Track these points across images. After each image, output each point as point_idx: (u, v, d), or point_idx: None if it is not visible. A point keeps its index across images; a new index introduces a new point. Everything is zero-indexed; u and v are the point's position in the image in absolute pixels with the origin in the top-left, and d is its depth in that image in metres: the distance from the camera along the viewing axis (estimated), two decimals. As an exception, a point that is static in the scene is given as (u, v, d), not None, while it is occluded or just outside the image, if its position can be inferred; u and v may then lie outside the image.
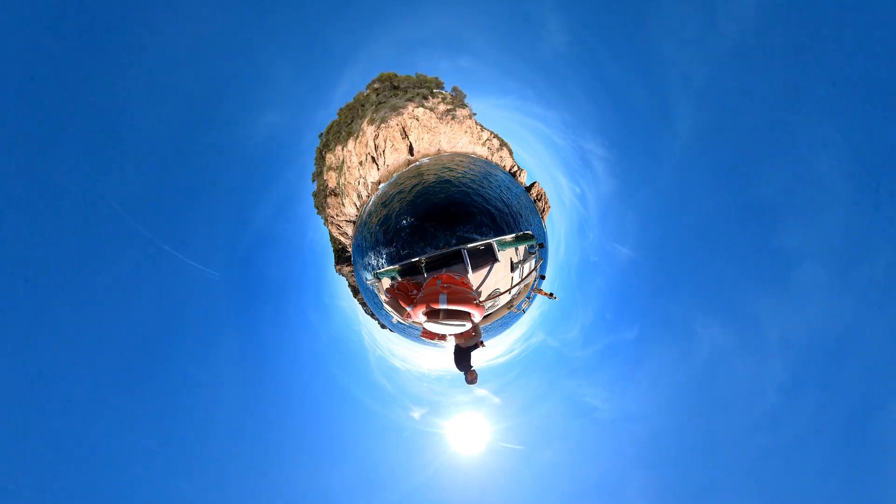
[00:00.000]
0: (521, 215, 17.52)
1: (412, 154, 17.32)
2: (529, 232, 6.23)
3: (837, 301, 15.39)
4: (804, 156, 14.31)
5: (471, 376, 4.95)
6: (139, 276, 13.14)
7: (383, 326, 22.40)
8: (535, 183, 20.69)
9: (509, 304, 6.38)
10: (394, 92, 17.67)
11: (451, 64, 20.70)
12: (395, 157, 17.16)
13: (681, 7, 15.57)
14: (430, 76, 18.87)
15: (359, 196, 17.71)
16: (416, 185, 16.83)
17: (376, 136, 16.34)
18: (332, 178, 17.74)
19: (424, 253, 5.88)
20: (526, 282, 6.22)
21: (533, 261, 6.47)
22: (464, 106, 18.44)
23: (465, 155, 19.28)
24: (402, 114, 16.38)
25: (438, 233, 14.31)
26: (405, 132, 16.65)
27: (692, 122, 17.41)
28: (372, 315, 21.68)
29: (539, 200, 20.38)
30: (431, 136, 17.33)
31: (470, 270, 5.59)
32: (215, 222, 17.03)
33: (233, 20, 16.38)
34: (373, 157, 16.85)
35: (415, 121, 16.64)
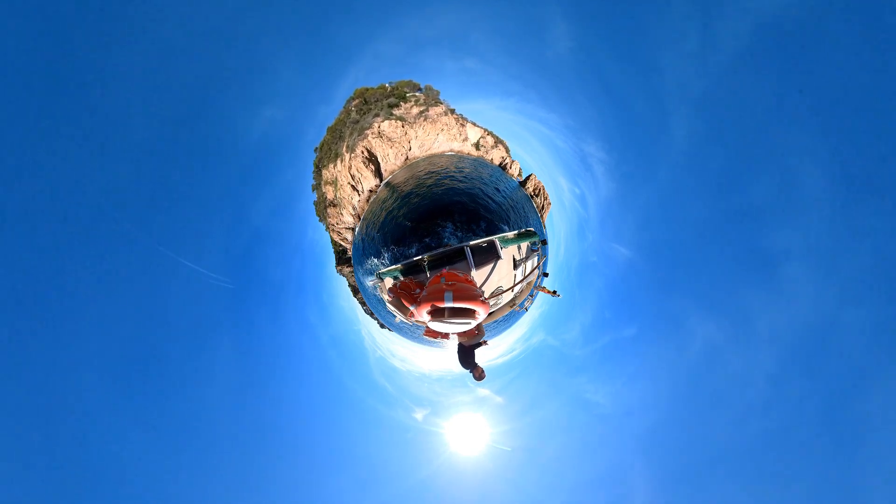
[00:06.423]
0: (509, 208, 16.96)
1: (380, 176, 17.28)
2: (531, 229, 6.31)
3: (821, 296, 16.07)
4: (790, 163, 14.98)
5: (478, 372, 4.83)
6: (141, 279, 13.23)
7: (382, 326, 22.50)
8: (531, 176, 19.19)
9: (512, 302, 6.47)
10: (366, 108, 17.41)
11: (457, 64, 20.81)
12: (367, 183, 17.33)
13: (682, 21, 16.20)
14: (403, 80, 18.19)
15: (353, 207, 17.86)
16: (396, 201, 16.87)
17: (350, 167, 16.54)
18: (329, 191, 18.16)
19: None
20: (528, 279, 6.23)
21: (535, 258, 6.42)
22: (437, 104, 17.47)
23: (441, 155, 18.36)
24: (367, 135, 16.15)
25: (419, 239, 14.26)
26: (371, 154, 16.50)
27: (688, 130, 18.09)
28: (371, 314, 21.78)
29: (537, 196, 19.17)
30: (397, 149, 16.77)
31: (473, 268, 5.52)
32: (214, 218, 17.10)
33: (232, 10, 16.41)
34: (353, 186, 17.11)
35: (378, 138, 16.21)
